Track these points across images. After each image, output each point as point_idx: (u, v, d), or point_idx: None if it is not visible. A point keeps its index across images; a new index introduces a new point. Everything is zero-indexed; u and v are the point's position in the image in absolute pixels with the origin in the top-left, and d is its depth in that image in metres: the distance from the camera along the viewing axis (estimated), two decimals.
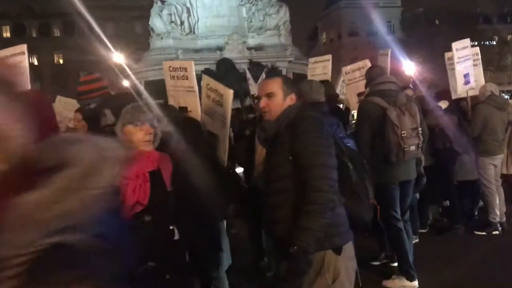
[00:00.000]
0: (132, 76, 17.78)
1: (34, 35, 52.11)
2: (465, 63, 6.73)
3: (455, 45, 6.83)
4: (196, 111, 4.89)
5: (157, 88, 15.36)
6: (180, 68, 4.97)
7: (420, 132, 4.32)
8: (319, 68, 7.63)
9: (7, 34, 51.86)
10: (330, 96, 5.16)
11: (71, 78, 51.66)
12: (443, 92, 6.94)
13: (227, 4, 20.51)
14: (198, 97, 5.04)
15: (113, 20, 49.89)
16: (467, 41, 6.95)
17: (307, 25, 65.39)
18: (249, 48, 19.67)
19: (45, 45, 50.74)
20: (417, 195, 5.75)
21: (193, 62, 4.90)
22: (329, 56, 7.88)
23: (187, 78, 4.98)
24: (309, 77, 7.40)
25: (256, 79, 10.58)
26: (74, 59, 50.45)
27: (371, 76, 4.61)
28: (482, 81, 7.11)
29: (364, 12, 49.88)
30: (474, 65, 7.03)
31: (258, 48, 20.19)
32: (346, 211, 2.58)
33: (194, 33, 20.19)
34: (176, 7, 19.85)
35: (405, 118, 4.22)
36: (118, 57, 23.39)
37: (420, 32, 43.97)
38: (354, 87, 6.78)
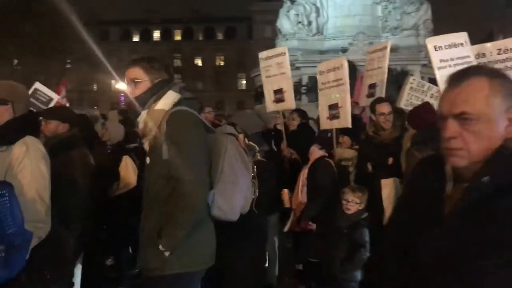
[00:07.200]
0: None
1: (200, 38, 56.41)
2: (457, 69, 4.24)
3: (431, 41, 4.52)
4: None
5: None
6: None
7: None
8: (274, 66, 5.43)
9: (177, 37, 57.08)
10: None
11: (230, 79, 54.79)
12: (413, 115, 4.04)
13: (360, 3, 19.07)
14: None
15: (271, 24, 51.39)
16: (461, 36, 4.53)
17: (484, 27, 58.77)
18: None
19: (209, 47, 54.58)
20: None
21: None
22: (284, 49, 5.71)
23: None
24: (263, 79, 5.64)
25: None
26: (233, 61, 53.42)
27: None
28: None
29: None
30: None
31: (392, 49, 18.29)
32: None
33: (321, 34, 19.24)
34: (304, 7, 19.17)
35: None
36: None
37: None
38: (326, 95, 5.00)
